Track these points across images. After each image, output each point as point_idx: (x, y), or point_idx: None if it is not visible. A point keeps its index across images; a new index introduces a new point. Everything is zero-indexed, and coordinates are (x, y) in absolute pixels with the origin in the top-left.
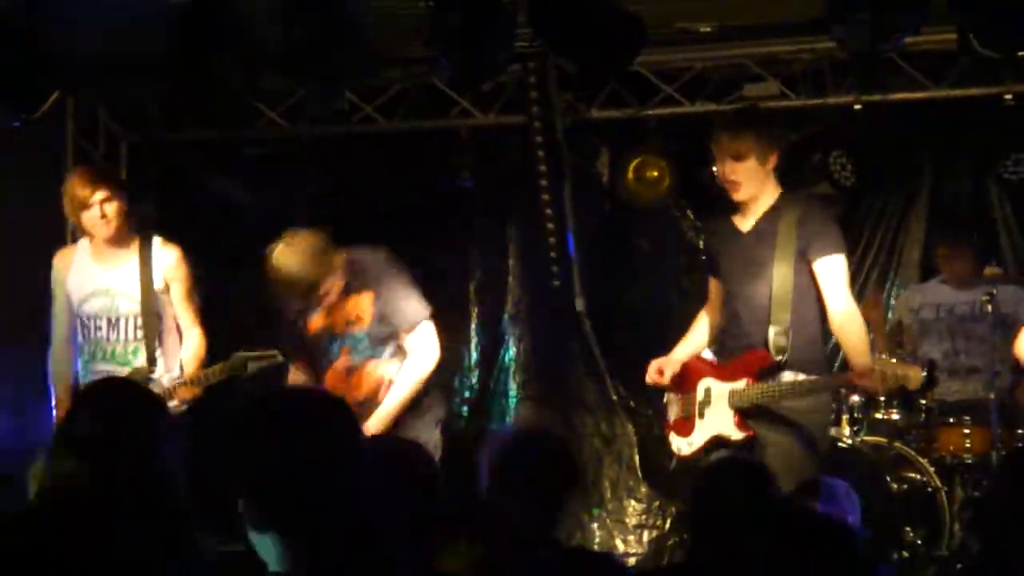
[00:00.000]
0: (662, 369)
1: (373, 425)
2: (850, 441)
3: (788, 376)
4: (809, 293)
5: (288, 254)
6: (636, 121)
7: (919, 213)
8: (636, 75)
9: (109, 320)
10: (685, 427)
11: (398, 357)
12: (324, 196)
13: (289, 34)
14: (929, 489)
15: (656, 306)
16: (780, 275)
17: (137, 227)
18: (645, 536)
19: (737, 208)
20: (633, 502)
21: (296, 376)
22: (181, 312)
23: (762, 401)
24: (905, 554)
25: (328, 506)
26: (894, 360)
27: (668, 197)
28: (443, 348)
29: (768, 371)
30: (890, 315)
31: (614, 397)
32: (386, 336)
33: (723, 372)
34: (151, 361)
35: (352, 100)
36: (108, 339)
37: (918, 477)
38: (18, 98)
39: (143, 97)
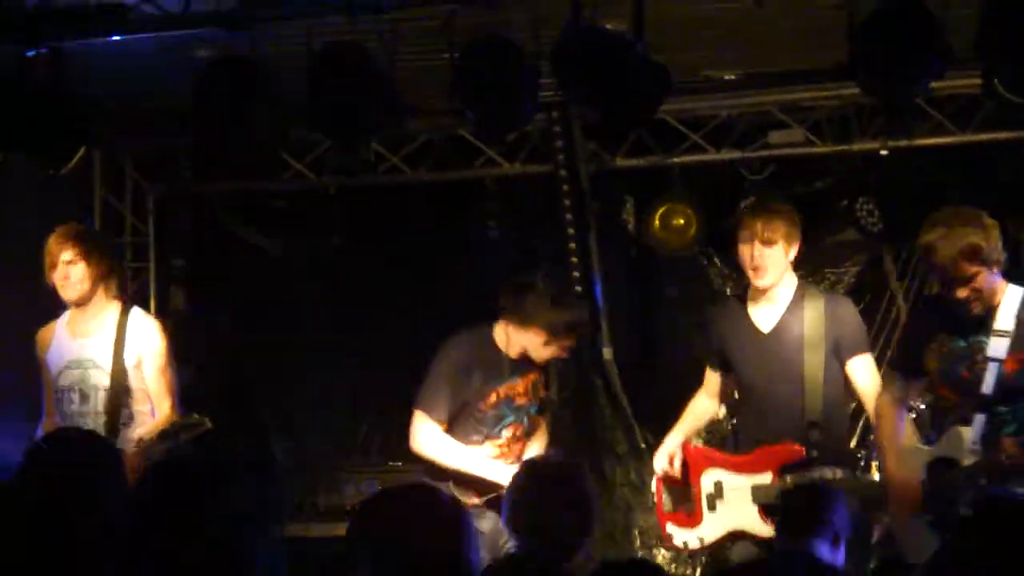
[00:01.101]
0: (672, 459)
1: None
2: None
3: (817, 473)
4: (839, 390)
5: None
6: (661, 169)
7: None
8: (661, 123)
9: (81, 392)
10: (689, 520)
11: None
12: (352, 247)
13: (316, 86)
14: None
15: (684, 354)
16: (811, 373)
17: (116, 295)
18: None
19: (748, 299)
20: (663, 551)
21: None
22: (153, 386)
23: None
24: None
25: None
26: None
27: (695, 245)
28: None
29: (795, 466)
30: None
31: (643, 445)
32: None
33: (739, 465)
34: (112, 433)
35: (378, 151)
36: (80, 412)
37: None
38: (45, 153)
39: (170, 150)
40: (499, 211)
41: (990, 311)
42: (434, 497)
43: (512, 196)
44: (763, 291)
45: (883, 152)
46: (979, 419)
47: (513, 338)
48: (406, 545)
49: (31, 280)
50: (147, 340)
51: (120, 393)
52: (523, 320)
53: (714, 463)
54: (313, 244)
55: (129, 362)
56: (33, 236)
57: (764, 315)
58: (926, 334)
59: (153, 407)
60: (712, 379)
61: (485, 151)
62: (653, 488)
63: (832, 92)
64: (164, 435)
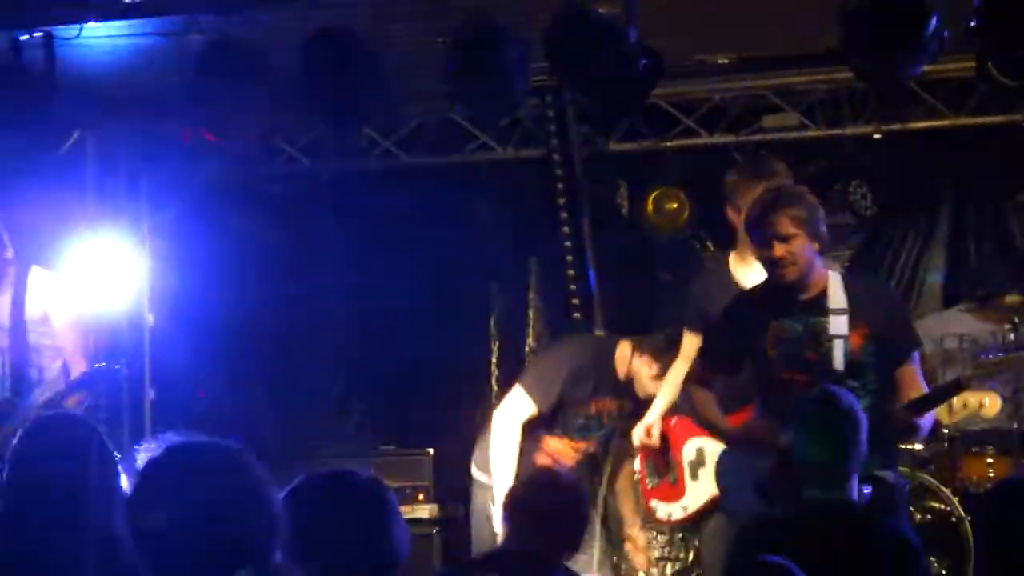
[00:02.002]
0: (650, 430)
1: None
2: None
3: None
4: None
5: None
6: (654, 153)
7: (940, 242)
8: (654, 107)
9: None
10: (673, 491)
11: None
12: (345, 232)
13: (309, 70)
14: (953, 519)
15: (678, 337)
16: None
17: (10, 257)
18: (668, 568)
19: (731, 261)
20: (656, 534)
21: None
22: (62, 343)
23: None
24: None
25: None
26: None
27: (688, 229)
28: (463, 381)
29: None
30: None
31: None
32: None
33: None
34: (16, 393)
35: (371, 136)
36: None
37: (941, 507)
38: (40, 136)
39: (163, 134)
40: (492, 196)
41: (821, 294)
42: (355, 480)
43: (505, 181)
44: (750, 256)
45: (876, 136)
46: None
47: (633, 363)
48: (327, 530)
49: None
50: (50, 295)
51: (23, 352)
52: (654, 356)
53: (696, 432)
54: (306, 229)
55: (30, 318)
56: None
57: (749, 276)
58: (757, 324)
59: (66, 364)
60: (691, 344)
61: (478, 136)
62: (636, 465)
63: (825, 76)
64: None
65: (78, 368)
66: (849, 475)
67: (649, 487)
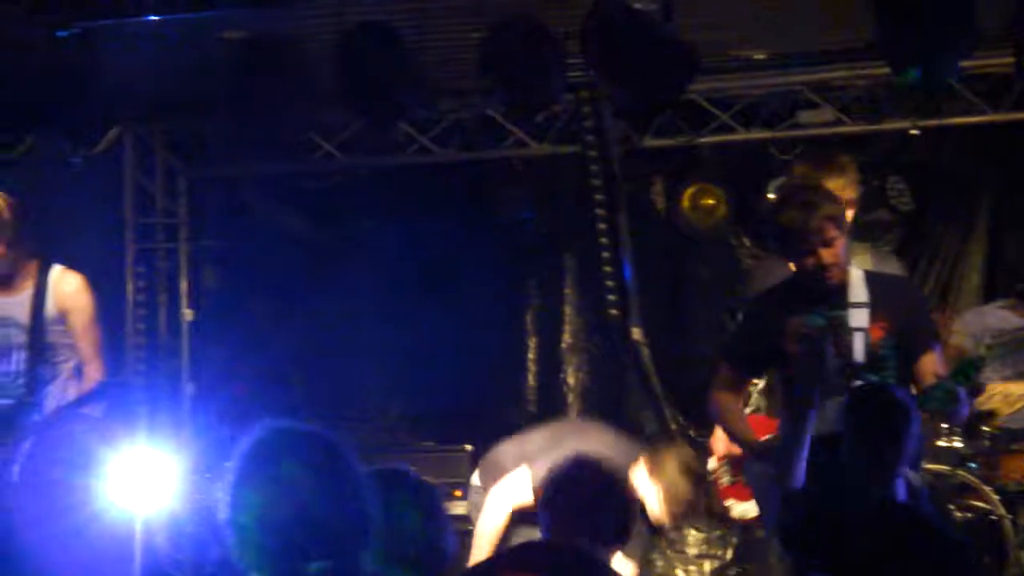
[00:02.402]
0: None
1: None
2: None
3: None
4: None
5: None
6: (691, 149)
7: (978, 238)
8: (690, 103)
9: (1, 352)
10: (747, 490)
11: None
12: (381, 228)
13: (346, 66)
14: (993, 517)
15: (714, 334)
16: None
17: (34, 254)
18: (706, 566)
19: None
20: (694, 532)
21: None
22: (80, 343)
23: None
24: None
25: None
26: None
27: (724, 224)
28: (500, 378)
29: None
30: (950, 340)
31: (673, 426)
32: None
33: None
34: (31, 391)
35: (407, 131)
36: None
37: (982, 505)
38: (78, 134)
39: (200, 131)
40: (528, 192)
41: (842, 286)
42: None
43: (541, 177)
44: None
45: (913, 132)
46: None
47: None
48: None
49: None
50: (70, 294)
51: (39, 350)
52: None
53: (771, 428)
54: (344, 225)
55: (48, 317)
56: (68, 217)
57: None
58: (777, 322)
59: (81, 364)
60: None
61: (514, 131)
62: (712, 463)
63: (862, 71)
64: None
65: (92, 368)
66: (897, 473)
67: (725, 485)
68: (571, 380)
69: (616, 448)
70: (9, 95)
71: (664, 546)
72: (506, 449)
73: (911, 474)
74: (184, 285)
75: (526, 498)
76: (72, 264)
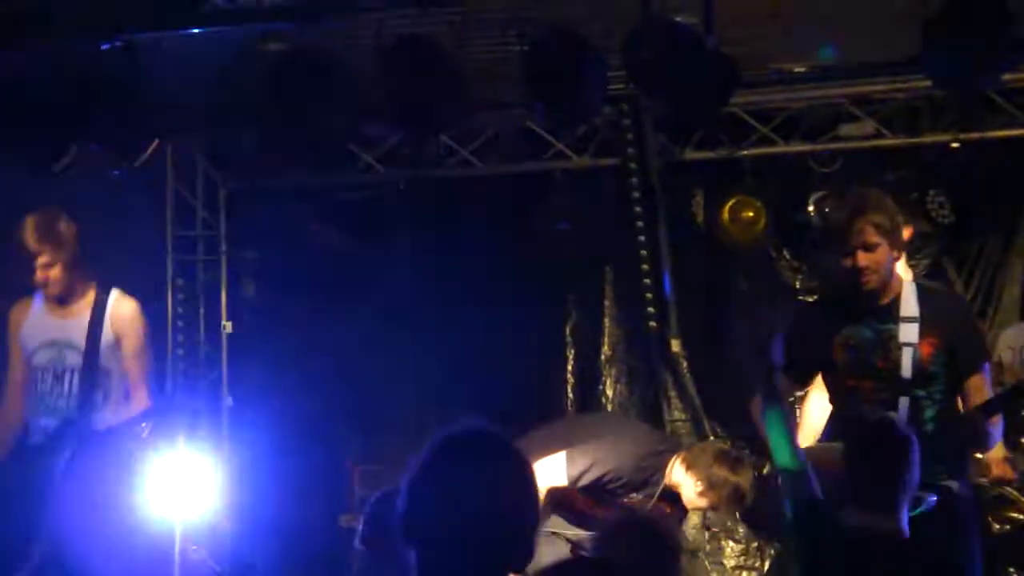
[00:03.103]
0: None
1: None
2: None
3: None
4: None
5: None
6: (731, 162)
7: (1018, 251)
8: (731, 116)
9: (55, 373)
10: None
11: None
12: (421, 240)
13: (386, 80)
14: None
15: (753, 346)
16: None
17: (91, 276)
18: None
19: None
20: (731, 543)
21: None
22: (130, 368)
23: None
24: None
25: None
26: None
27: (764, 237)
28: (539, 389)
29: None
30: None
31: (710, 436)
32: None
33: None
34: (83, 414)
35: (448, 144)
36: (52, 392)
37: (1021, 517)
38: (119, 147)
39: (241, 144)
40: (568, 204)
41: (893, 301)
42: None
43: (582, 189)
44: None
45: (954, 145)
46: (903, 403)
47: (679, 477)
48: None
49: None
50: (125, 320)
51: (93, 374)
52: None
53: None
54: (382, 237)
55: (104, 342)
56: (108, 230)
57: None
58: (824, 332)
59: (129, 390)
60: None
61: (554, 144)
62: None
63: (902, 84)
64: None
65: (139, 396)
66: (901, 503)
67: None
68: (609, 392)
69: (651, 438)
70: (51, 109)
71: (702, 557)
72: (550, 432)
73: (955, 485)
74: (224, 297)
75: (560, 481)
76: (112, 277)
